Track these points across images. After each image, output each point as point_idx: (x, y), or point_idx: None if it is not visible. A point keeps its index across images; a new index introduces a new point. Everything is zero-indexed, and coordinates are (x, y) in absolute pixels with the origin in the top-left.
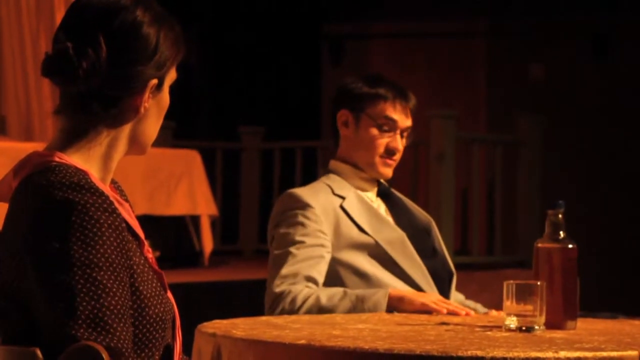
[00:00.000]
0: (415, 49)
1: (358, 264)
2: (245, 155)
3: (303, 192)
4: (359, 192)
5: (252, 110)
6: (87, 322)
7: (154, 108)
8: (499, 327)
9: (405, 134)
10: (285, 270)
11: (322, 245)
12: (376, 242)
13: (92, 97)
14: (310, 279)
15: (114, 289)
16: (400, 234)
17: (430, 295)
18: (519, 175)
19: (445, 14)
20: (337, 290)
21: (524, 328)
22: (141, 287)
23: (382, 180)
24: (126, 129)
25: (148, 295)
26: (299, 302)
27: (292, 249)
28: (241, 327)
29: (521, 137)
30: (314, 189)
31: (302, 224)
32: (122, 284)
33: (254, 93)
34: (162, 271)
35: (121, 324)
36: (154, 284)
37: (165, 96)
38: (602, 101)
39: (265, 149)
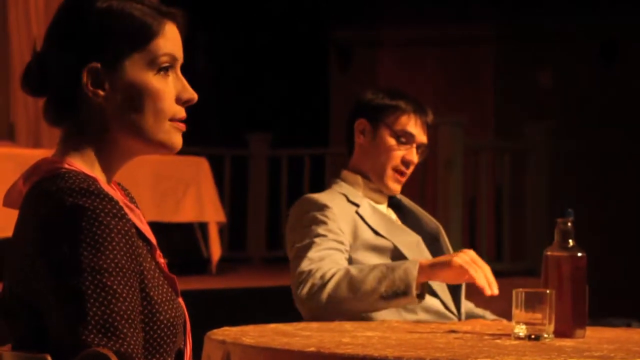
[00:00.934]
0: (423, 56)
1: None
2: (253, 162)
3: (319, 196)
4: (371, 202)
5: (260, 117)
6: (97, 327)
7: (118, 90)
8: (508, 335)
9: (420, 149)
10: (312, 254)
11: (342, 242)
12: (394, 245)
13: (46, 105)
14: (334, 266)
15: (124, 294)
16: (416, 237)
17: (464, 254)
18: (527, 182)
19: (453, 21)
20: (366, 265)
21: (532, 336)
22: (152, 293)
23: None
24: (100, 126)
25: (159, 300)
26: (328, 275)
27: (317, 239)
28: (250, 334)
29: (529, 143)
30: (329, 194)
31: (323, 222)
32: (132, 289)
33: (262, 100)
34: (173, 275)
35: (131, 329)
36: (165, 289)
37: (131, 76)
38: (611, 107)
39: (273, 156)
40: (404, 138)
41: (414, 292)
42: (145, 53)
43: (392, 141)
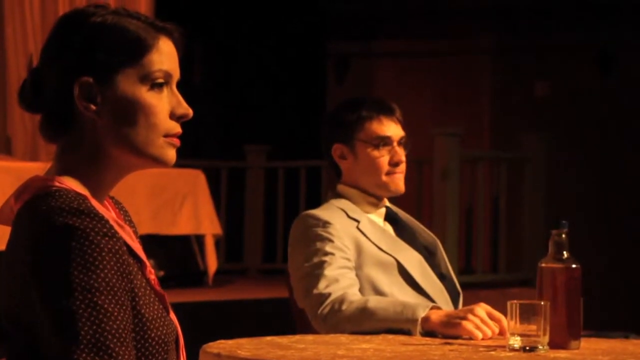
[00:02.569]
0: (420, 67)
1: (378, 282)
2: (250, 174)
3: (319, 212)
4: (370, 216)
5: (257, 129)
6: (89, 346)
7: (110, 105)
8: (502, 347)
9: (402, 143)
10: (327, 273)
11: (349, 259)
12: (398, 262)
13: (41, 120)
14: (351, 286)
15: (115, 313)
16: (417, 256)
17: (475, 318)
18: (524, 193)
19: (450, 32)
20: (383, 298)
21: (527, 348)
22: (143, 310)
23: (388, 204)
24: (93, 141)
25: (150, 317)
26: (348, 299)
27: (326, 258)
28: (246, 347)
29: (526, 154)
30: (329, 209)
31: (328, 239)
32: (124, 307)
33: (259, 112)
34: (166, 291)
35: (123, 348)
36: (155, 306)
37: (123, 90)
38: (608, 118)
39: (269, 168)
40: (383, 143)
41: (417, 334)
42: (139, 68)
43: (373, 152)
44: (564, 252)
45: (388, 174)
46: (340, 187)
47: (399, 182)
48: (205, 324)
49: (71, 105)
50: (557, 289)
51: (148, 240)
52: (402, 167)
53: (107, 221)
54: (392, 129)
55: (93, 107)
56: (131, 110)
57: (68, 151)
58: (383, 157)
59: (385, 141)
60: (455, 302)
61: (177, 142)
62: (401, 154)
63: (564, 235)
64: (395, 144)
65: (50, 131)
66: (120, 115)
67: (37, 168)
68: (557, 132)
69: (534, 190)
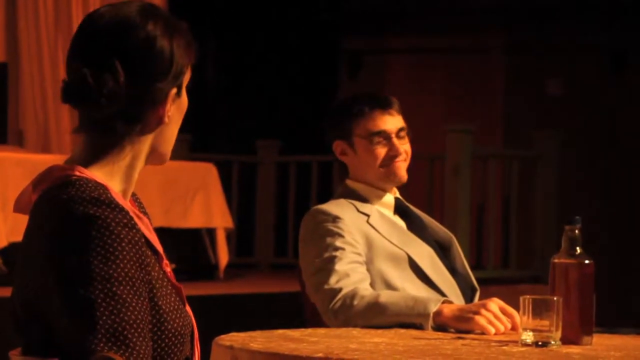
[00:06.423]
0: (432, 64)
1: (390, 276)
2: (262, 168)
3: (330, 207)
4: (380, 209)
5: (269, 123)
6: (106, 336)
7: (176, 114)
8: (515, 342)
9: (401, 133)
10: (338, 268)
11: (360, 254)
12: (409, 255)
13: (115, 118)
14: (362, 280)
15: (134, 303)
16: (428, 249)
17: (488, 312)
18: (536, 190)
19: (463, 30)
20: (395, 293)
21: (540, 343)
22: (160, 302)
23: (399, 196)
24: (149, 140)
25: (167, 309)
26: (359, 294)
27: (337, 253)
28: (258, 339)
29: (538, 152)
30: (338, 204)
31: (339, 234)
32: (142, 298)
33: (271, 107)
34: (180, 284)
35: (140, 338)
36: (172, 298)
37: (184, 100)
38: (620, 116)
39: (281, 163)
40: (378, 138)
41: (429, 329)
42: (187, 74)
43: (370, 147)
44: (577, 248)
45: (386, 165)
46: (349, 182)
47: (397, 170)
48: (217, 317)
49: (148, 110)
50: (570, 284)
51: (159, 234)
52: (403, 156)
53: (127, 212)
54: (388, 123)
55: (170, 113)
56: (184, 111)
57: (114, 148)
58: (380, 150)
59: (380, 136)
60: (470, 298)
61: None
62: (400, 145)
63: (577, 231)
64: (393, 136)
65: (112, 129)
66: (179, 118)
67: (48, 160)
68: (568, 130)
69: (545, 187)
